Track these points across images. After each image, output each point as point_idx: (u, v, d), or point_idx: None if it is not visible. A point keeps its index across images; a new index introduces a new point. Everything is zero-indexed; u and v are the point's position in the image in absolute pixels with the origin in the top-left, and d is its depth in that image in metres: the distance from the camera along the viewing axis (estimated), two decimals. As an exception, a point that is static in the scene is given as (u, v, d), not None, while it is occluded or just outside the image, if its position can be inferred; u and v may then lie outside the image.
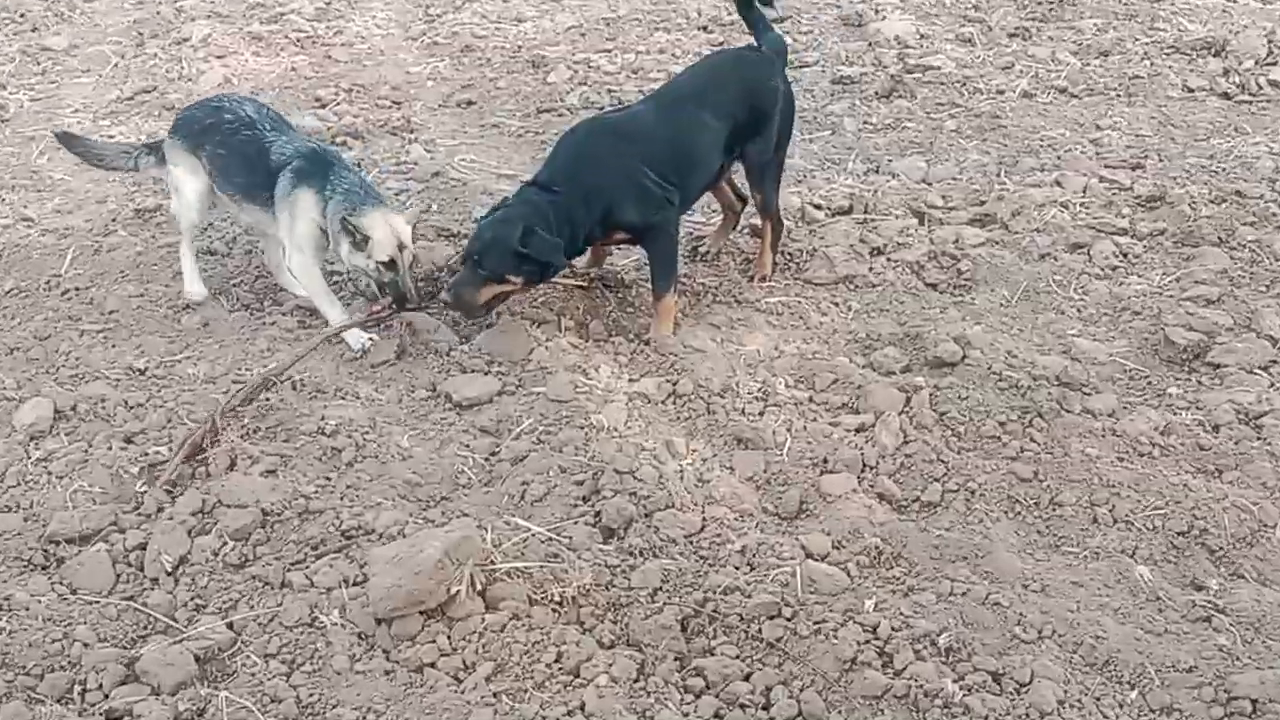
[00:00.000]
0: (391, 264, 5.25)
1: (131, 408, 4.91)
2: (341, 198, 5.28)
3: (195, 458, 4.57)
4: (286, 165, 5.42)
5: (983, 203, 6.56)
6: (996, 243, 6.13)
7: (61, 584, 4.05)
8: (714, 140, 5.58)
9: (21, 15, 10.26)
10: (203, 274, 5.86)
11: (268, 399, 4.93)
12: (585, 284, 5.73)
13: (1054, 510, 4.39)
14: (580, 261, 5.72)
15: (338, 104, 8.23)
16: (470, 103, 8.29)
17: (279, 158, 5.44)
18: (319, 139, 6.82)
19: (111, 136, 7.77)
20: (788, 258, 6.02)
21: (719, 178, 5.84)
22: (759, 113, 5.67)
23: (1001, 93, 8.12)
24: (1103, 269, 5.89)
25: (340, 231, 5.24)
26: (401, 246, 5.26)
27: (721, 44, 9.15)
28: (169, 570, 4.07)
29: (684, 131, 5.52)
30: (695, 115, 5.54)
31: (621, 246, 5.87)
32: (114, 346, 5.40)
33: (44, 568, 4.15)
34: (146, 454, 4.61)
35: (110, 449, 4.63)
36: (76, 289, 5.88)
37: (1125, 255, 5.99)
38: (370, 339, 5.32)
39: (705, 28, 9.60)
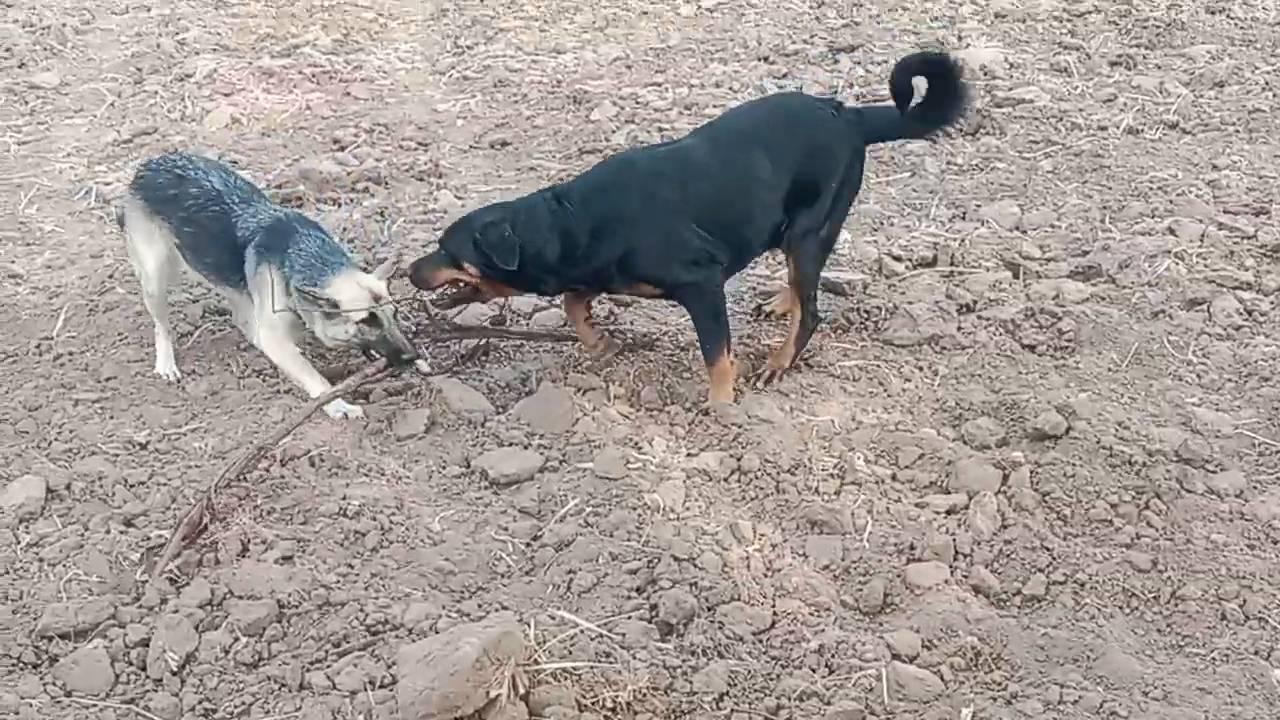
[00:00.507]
0: (372, 320, 5.39)
1: (132, 486, 4.97)
2: (301, 273, 5.43)
3: (196, 540, 4.63)
4: (250, 241, 5.59)
5: (1085, 253, 6.57)
6: (1102, 299, 6.13)
7: (54, 685, 4.08)
8: (772, 193, 5.50)
9: (7, 50, 10.53)
10: (211, 336, 5.96)
11: (282, 476, 4.99)
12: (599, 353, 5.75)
13: (1176, 605, 4.35)
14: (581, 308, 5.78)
15: (358, 146, 8.38)
16: (505, 143, 8.42)
17: (244, 233, 5.61)
18: (297, 202, 7.00)
19: (107, 183, 7.96)
20: (864, 315, 6.04)
21: (774, 240, 5.69)
22: (819, 176, 5.56)
23: (1103, 129, 8.15)
24: (1225, 328, 5.87)
25: (307, 307, 5.40)
26: (377, 298, 5.41)
27: (784, 76, 9.27)
28: (174, 670, 4.09)
29: (739, 176, 5.50)
30: (753, 158, 5.51)
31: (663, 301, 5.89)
32: (112, 418, 5.48)
33: (35, 666, 4.18)
34: (148, 538, 4.66)
35: (108, 533, 4.68)
36: (70, 354, 6.00)
37: (1250, 313, 5.97)
38: (349, 409, 5.44)
39: (766, 58, 9.71)
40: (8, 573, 4.54)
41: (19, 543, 4.68)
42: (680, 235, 5.35)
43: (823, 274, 5.91)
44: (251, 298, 5.62)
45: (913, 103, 5.73)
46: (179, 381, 5.78)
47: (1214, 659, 4.15)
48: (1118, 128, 8.13)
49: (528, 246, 5.27)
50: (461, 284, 5.48)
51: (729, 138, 5.66)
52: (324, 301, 5.34)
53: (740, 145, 5.57)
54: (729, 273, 5.62)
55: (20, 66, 10.24)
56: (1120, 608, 4.34)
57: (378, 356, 5.49)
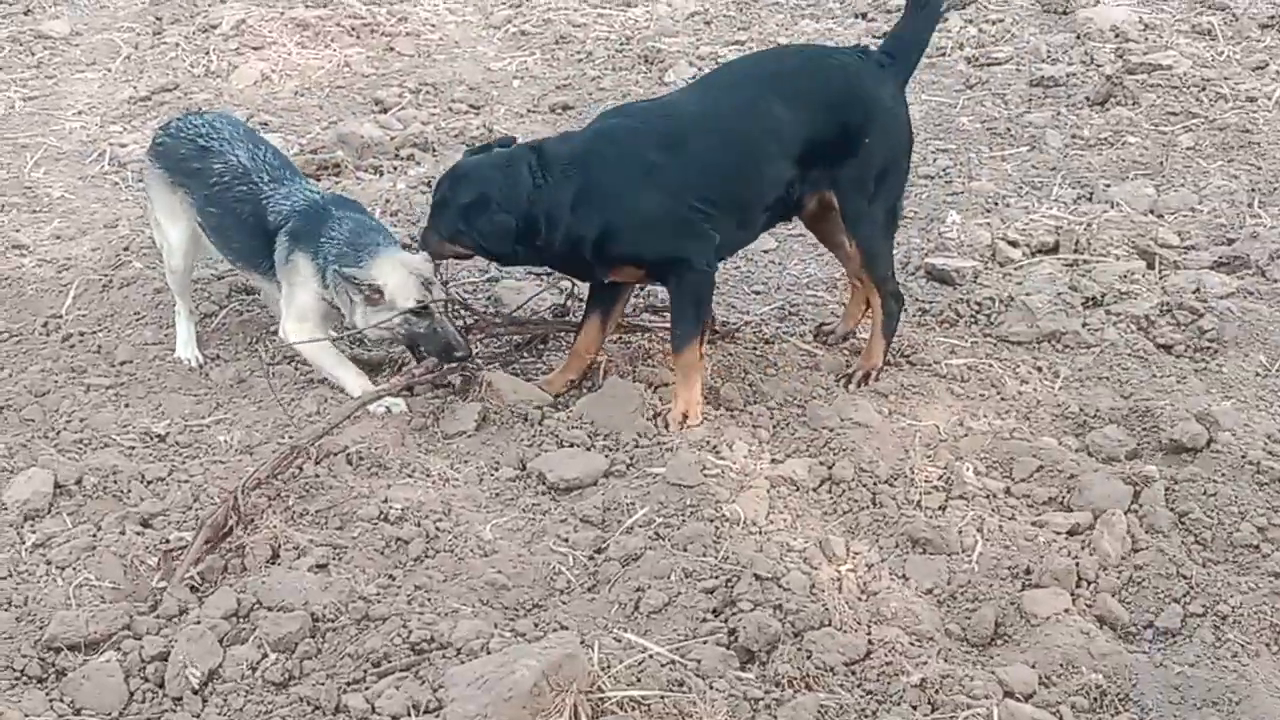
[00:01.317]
0: (423, 310, 5.43)
1: (149, 482, 5.05)
2: (335, 258, 5.49)
3: (221, 544, 4.69)
4: (283, 227, 5.66)
5: (1231, 241, 6.53)
6: (1250, 293, 6.10)
7: (62, 701, 4.15)
8: (780, 142, 5.41)
9: (12, -6, 10.70)
10: (239, 317, 6.04)
11: (317, 475, 5.05)
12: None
13: (1331, 644, 4.32)
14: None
15: (402, 108, 8.45)
16: (567, 107, 8.46)
17: (275, 219, 5.68)
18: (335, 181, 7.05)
19: (123, 145, 8.07)
20: (974, 308, 6.04)
21: (791, 207, 5.59)
22: (849, 127, 5.46)
23: (1252, 100, 8.07)
24: (1392, 329, 5.82)
25: (348, 292, 5.45)
26: (428, 285, 5.45)
27: (885, 34, 9.24)
28: (195, 687, 4.14)
29: (738, 127, 5.42)
30: (756, 104, 5.44)
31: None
32: (127, 406, 5.58)
33: (41, 680, 4.25)
34: (167, 540, 4.73)
35: (123, 533, 4.76)
36: (81, 334, 6.10)
37: None
38: (392, 404, 5.50)
39: (865, 14, 9.70)
40: (11, 576, 4.62)
41: (24, 543, 4.76)
42: (666, 208, 5.31)
43: (929, 260, 5.88)
44: (280, 288, 5.71)
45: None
46: (202, 367, 5.88)
47: (1376, 707, 4.11)
48: (1269, 99, 8.05)
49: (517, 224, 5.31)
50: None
51: (726, 85, 5.68)
52: (366, 286, 5.39)
53: (739, 90, 5.55)
54: (730, 248, 5.64)
55: (27, 13, 10.39)
56: (1267, 644, 4.31)
57: (425, 352, 5.54)
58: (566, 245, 5.34)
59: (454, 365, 5.56)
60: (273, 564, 4.61)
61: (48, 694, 4.18)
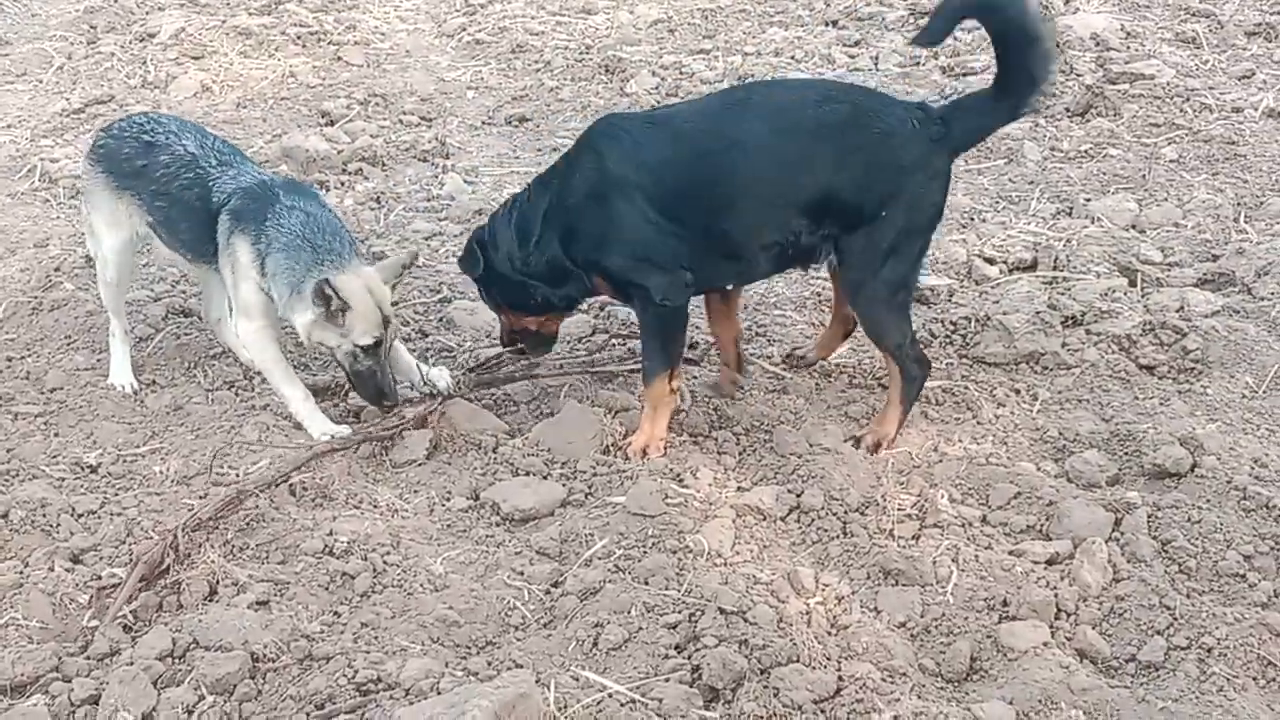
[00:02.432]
0: (374, 347, 5.38)
1: (80, 516, 5.02)
2: (281, 252, 5.39)
3: (157, 580, 4.67)
4: (224, 205, 5.57)
5: (1216, 257, 6.58)
6: (1236, 311, 6.14)
7: (-13, 748, 4.14)
8: (791, 186, 5.24)
9: (-60, 3, 10.69)
10: (175, 340, 6.01)
11: (258, 507, 5.03)
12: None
13: (1321, 677, 4.35)
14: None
15: (350, 120, 8.47)
16: (524, 119, 8.50)
17: (219, 198, 5.59)
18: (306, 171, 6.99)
19: (55, 160, 8.06)
20: (949, 328, 6.07)
21: (802, 255, 5.38)
22: (870, 195, 5.21)
23: (1238, 110, 8.15)
24: (1382, 348, 5.87)
25: (305, 296, 5.34)
26: (386, 323, 5.40)
27: (857, 44, 9.31)
28: (128, 732, 4.14)
29: (736, 152, 5.25)
30: (779, 137, 5.24)
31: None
32: (57, 435, 5.54)
33: (-36, 726, 4.24)
34: (99, 577, 4.71)
35: (52, 570, 4.73)
36: (9, 359, 6.08)
37: None
38: (336, 430, 5.51)
39: (835, 22, 9.79)
40: (-66, 615, 4.60)
41: (-52, 580, 4.73)
42: (641, 226, 5.25)
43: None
44: (224, 278, 5.63)
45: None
46: (137, 394, 5.84)
47: (1366, 742, 4.14)
48: (1255, 109, 8.14)
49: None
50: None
51: (740, 101, 5.48)
52: (333, 301, 5.26)
53: (754, 111, 5.34)
54: (710, 284, 5.53)
55: (-46, 23, 10.39)
56: (1254, 678, 4.32)
57: (354, 390, 5.55)
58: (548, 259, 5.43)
59: (380, 409, 5.56)
60: (210, 601, 4.59)
61: (-29, 740, 4.16)
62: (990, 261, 6.59)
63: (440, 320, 6.30)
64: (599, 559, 4.78)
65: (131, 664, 4.28)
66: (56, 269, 6.82)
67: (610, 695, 4.14)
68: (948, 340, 6.02)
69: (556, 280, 5.47)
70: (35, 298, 6.52)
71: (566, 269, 5.41)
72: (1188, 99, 8.33)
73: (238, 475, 5.22)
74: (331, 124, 8.42)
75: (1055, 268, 6.53)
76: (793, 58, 9.23)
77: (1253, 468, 5.08)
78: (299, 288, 5.35)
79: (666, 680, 4.24)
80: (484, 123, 8.50)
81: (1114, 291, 6.30)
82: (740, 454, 5.33)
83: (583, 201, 5.33)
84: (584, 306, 5.98)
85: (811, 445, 5.28)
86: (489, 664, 4.33)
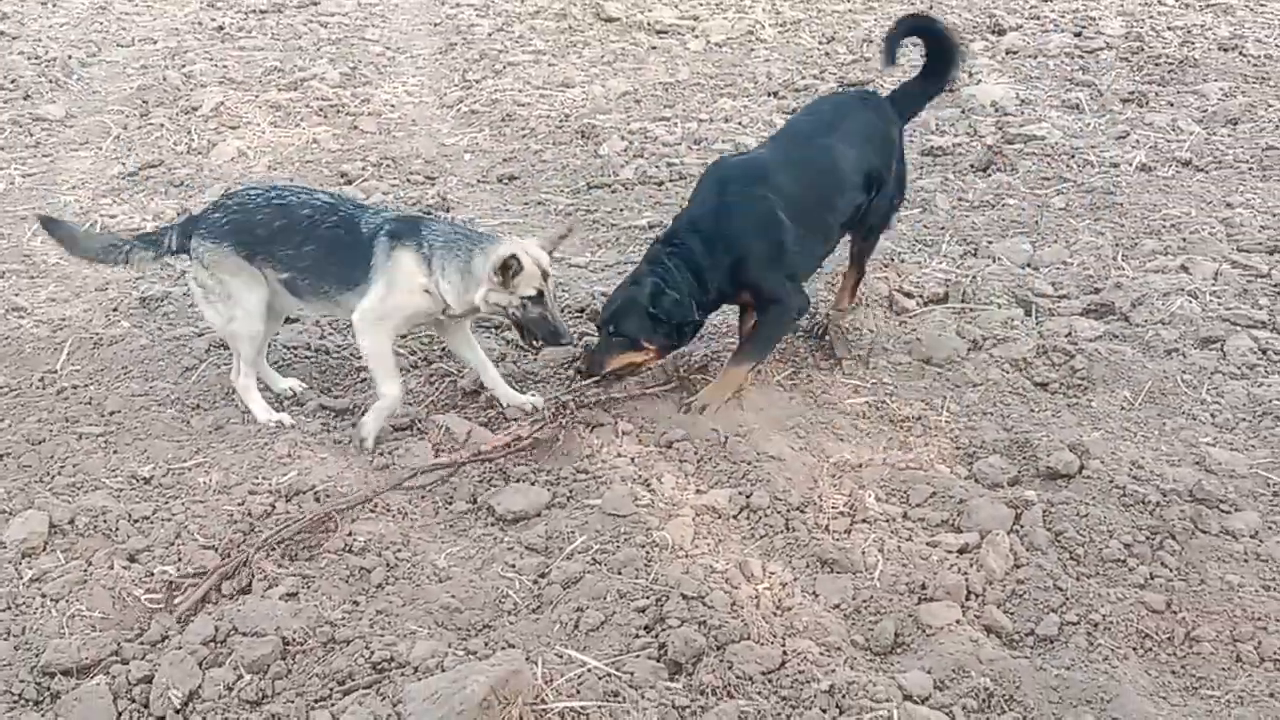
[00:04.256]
0: (539, 297, 5.45)
1: (135, 521, 4.99)
2: (443, 250, 5.48)
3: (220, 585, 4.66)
4: (381, 230, 5.56)
5: (1098, 290, 6.61)
6: (1116, 336, 6.16)
7: (56, 722, 4.10)
8: (854, 181, 5.94)
9: (13, 81, 10.64)
10: (216, 370, 5.98)
11: (287, 511, 5.00)
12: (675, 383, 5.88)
13: (1190, 647, 4.35)
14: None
15: (365, 179, 8.44)
16: (513, 177, 8.48)
17: (369, 229, 5.57)
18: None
19: (113, 216, 8.01)
20: (876, 352, 6.06)
21: (849, 225, 6.08)
22: (884, 163, 6.06)
23: (1116, 166, 8.20)
24: (1239, 367, 5.89)
25: (476, 274, 5.42)
26: (545, 276, 5.49)
27: (794, 111, 9.32)
28: (177, 707, 4.09)
29: (823, 171, 5.86)
30: (832, 150, 5.92)
31: None
32: (116, 452, 5.50)
33: (37, 703, 4.19)
34: (152, 574, 4.67)
35: (112, 568, 4.70)
36: (74, 387, 6.02)
37: (1264, 352, 5.99)
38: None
39: (776, 93, 9.79)
40: (10, 608, 4.55)
41: (21, 578, 4.68)
42: (782, 241, 5.66)
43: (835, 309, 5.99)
44: (369, 291, 5.53)
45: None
46: (289, 426, 5.71)
47: (1229, 702, 4.14)
48: (1130, 165, 8.18)
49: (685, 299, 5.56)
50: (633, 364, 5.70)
51: (803, 136, 6.08)
52: (501, 265, 5.33)
53: (814, 140, 6.00)
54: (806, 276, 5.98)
55: (26, 98, 10.33)
56: (1134, 649, 4.34)
57: (532, 335, 5.58)
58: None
59: (557, 347, 5.74)
60: (247, 593, 4.56)
61: (43, 716, 4.12)
62: (909, 295, 6.60)
63: (442, 350, 6.27)
64: (579, 553, 4.77)
65: (180, 648, 4.27)
66: (115, 309, 6.77)
67: (590, 670, 4.13)
68: (873, 363, 6.02)
69: (710, 309, 5.76)
70: (97, 334, 6.47)
71: (726, 296, 5.72)
72: (1073, 156, 8.37)
73: (271, 485, 5.18)
74: (349, 183, 8.39)
75: (963, 300, 6.55)
76: (740, 123, 9.24)
77: (1131, 469, 5.10)
78: (468, 268, 5.44)
79: (637, 656, 4.24)
80: (479, 181, 8.48)
81: (1013, 320, 6.32)
82: (699, 462, 5.32)
83: (746, 231, 5.62)
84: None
85: (759, 454, 5.28)
86: (486, 644, 4.31)
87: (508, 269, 5.34)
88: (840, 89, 9.59)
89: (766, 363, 5.86)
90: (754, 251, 5.62)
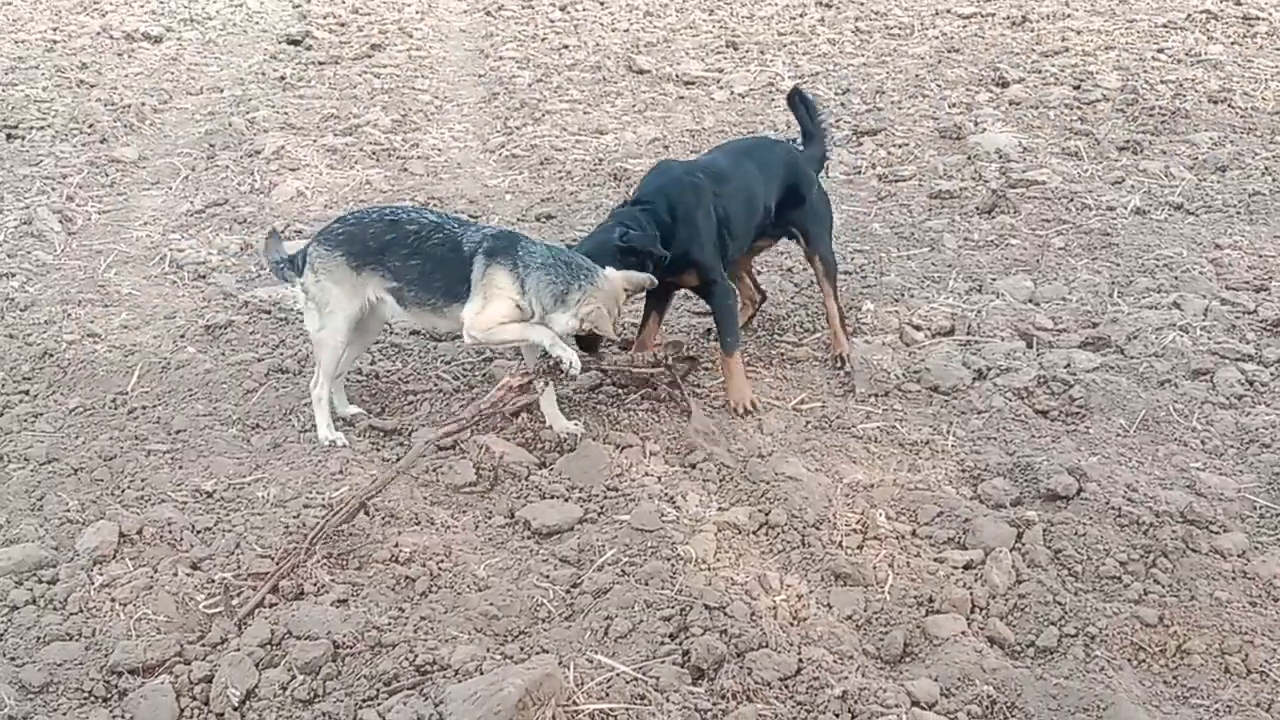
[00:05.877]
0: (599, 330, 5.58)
1: (199, 531, 5.01)
2: (539, 271, 5.48)
3: (276, 585, 4.66)
4: (480, 248, 5.59)
5: (1095, 325, 6.58)
6: (1111, 368, 6.13)
7: (123, 718, 4.09)
8: (766, 199, 6.20)
9: (90, 126, 10.74)
10: (275, 393, 6.01)
11: (339, 524, 5.01)
12: (656, 367, 5.93)
13: (1181, 659, 4.31)
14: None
15: (413, 218, 8.46)
16: (550, 216, 8.50)
17: (470, 246, 5.60)
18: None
19: (181, 250, 8.07)
20: (887, 379, 6.04)
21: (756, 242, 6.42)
22: (798, 188, 6.32)
23: (1112, 209, 8.17)
24: (1227, 398, 5.85)
25: (569, 305, 5.47)
26: (619, 314, 5.65)
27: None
28: (235, 705, 4.10)
29: (749, 184, 6.11)
30: (753, 170, 6.17)
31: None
32: (181, 468, 5.53)
33: (105, 700, 4.20)
34: (213, 580, 4.69)
35: (176, 575, 4.71)
36: (143, 408, 6.06)
37: (1251, 383, 5.95)
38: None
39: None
40: (81, 611, 4.57)
41: (93, 583, 4.70)
42: (716, 231, 5.91)
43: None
44: (469, 304, 5.56)
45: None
46: (345, 446, 5.72)
47: (1218, 711, 4.10)
48: (1125, 208, 8.15)
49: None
50: None
51: (736, 152, 6.40)
52: (584, 313, 5.45)
53: (744, 159, 6.29)
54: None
55: (102, 142, 10.43)
56: (1129, 660, 4.30)
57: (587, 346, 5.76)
58: None
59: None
60: (300, 599, 4.57)
61: (111, 712, 4.13)
62: (917, 328, 6.59)
63: (483, 375, 6.27)
64: (609, 565, 4.77)
65: (239, 650, 4.27)
66: (181, 336, 6.81)
67: (618, 674, 4.12)
68: (883, 391, 6.00)
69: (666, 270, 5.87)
70: (164, 359, 6.51)
71: (674, 268, 5.88)
72: (1072, 200, 8.35)
73: (325, 499, 5.20)
74: (399, 221, 8.43)
75: (969, 333, 6.53)
76: (761, 168, 9.24)
77: (1126, 492, 5.07)
78: (563, 299, 5.47)
79: (663, 662, 4.23)
80: (518, 219, 8.50)
81: (1015, 352, 6.29)
82: (720, 481, 5.31)
83: (695, 217, 5.87)
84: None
85: (777, 475, 5.26)
86: (522, 649, 4.31)
87: (588, 318, 5.47)
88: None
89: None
90: (701, 238, 5.87)
